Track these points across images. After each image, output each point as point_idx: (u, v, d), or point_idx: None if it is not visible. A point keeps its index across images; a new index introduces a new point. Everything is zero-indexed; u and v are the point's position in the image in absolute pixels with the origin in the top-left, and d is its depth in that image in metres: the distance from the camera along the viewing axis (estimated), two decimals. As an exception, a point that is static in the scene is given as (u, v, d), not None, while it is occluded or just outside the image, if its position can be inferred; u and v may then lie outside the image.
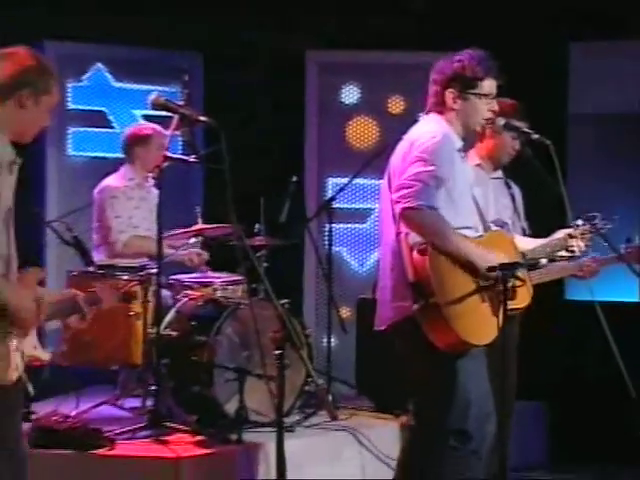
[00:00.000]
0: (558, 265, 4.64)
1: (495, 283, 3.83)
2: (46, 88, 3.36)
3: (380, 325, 4.02)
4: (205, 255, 5.75)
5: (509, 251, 4.04)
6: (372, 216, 6.95)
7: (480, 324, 3.88)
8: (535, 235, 4.63)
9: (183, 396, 5.04)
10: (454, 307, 3.80)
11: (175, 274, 5.57)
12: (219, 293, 5.37)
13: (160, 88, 6.01)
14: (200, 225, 5.57)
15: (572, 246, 4.23)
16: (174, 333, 5.07)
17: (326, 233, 6.11)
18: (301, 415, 5.28)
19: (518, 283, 3.84)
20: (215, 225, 5.42)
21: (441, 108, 4.01)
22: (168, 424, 4.81)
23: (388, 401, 5.57)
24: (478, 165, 4.74)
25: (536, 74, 6.43)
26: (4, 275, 3.20)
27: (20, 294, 3.22)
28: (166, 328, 5.07)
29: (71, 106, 6.70)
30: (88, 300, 3.42)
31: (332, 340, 6.05)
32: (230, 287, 5.45)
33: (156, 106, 4.80)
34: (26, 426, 4.54)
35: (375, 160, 5.43)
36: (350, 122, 7.09)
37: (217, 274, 5.64)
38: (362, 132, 7.09)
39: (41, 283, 3.34)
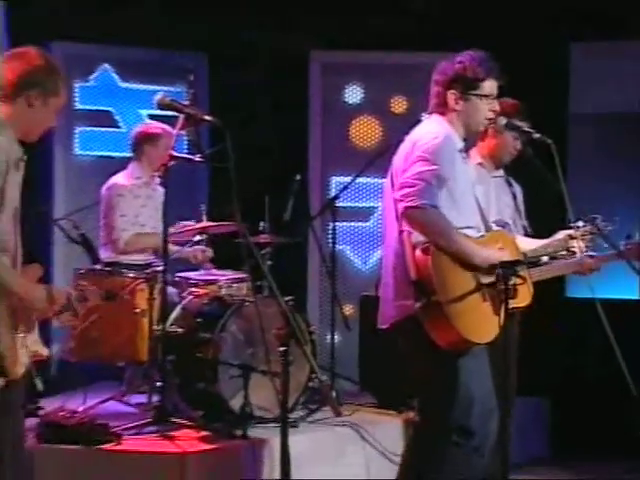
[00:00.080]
0: (558, 263, 4.64)
1: (497, 281, 3.83)
2: (55, 89, 3.37)
3: (383, 323, 4.02)
4: (209, 252, 5.75)
5: (511, 251, 4.04)
6: (375, 214, 6.96)
7: (481, 322, 3.88)
8: (536, 233, 4.63)
9: (188, 392, 5.04)
10: (455, 305, 3.80)
11: (180, 271, 5.58)
12: (224, 291, 5.37)
13: (166, 88, 6.02)
14: (205, 223, 5.57)
15: (573, 247, 4.23)
16: (180, 330, 5.07)
17: (330, 231, 6.10)
18: (305, 411, 5.28)
19: (519, 281, 3.83)
20: (219, 223, 5.42)
21: (443, 109, 4.01)
22: (174, 420, 4.81)
23: (391, 397, 5.57)
24: (480, 164, 4.73)
25: (536, 74, 6.41)
26: None
27: (30, 285, 3.24)
28: (172, 325, 5.06)
29: (78, 106, 6.71)
30: (78, 298, 3.44)
31: (336, 337, 6.05)
32: (235, 285, 5.45)
33: (162, 106, 4.80)
34: (34, 421, 4.56)
35: (378, 159, 5.43)
36: (353, 122, 7.09)
37: (222, 272, 5.64)
38: (365, 131, 7.10)
39: (39, 280, 3.36)
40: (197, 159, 4.99)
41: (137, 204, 5.71)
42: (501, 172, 4.91)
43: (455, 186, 3.89)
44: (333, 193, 6.57)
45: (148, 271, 5.19)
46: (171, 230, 5.22)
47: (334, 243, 5.98)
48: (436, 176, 3.81)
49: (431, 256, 3.79)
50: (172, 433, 4.71)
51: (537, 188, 4.57)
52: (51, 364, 5.40)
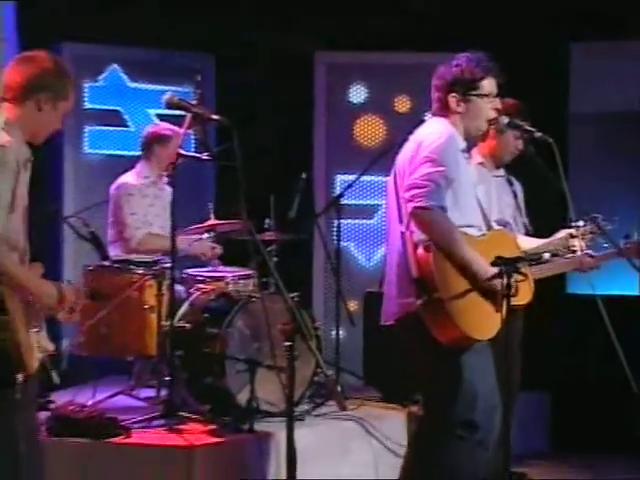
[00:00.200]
0: (559, 261, 4.63)
1: (497, 280, 3.82)
2: (64, 93, 3.37)
3: (386, 320, 4.02)
4: (218, 249, 5.75)
5: (512, 250, 4.03)
6: (379, 212, 6.96)
7: (483, 319, 3.87)
8: (537, 232, 4.62)
9: (196, 386, 5.04)
10: (457, 303, 3.79)
11: (188, 268, 5.58)
12: (231, 287, 5.37)
13: (174, 88, 6.02)
14: (212, 221, 5.57)
15: (574, 245, 4.22)
16: (187, 325, 5.07)
17: (334, 228, 6.10)
18: (311, 405, 5.28)
19: (520, 278, 3.82)
20: (227, 221, 5.42)
21: (445, 112, 4.02)
22: (182, 414, 4.82)
23: (395, 392, 5.57)
24: (480, 164, 4.73)
25: (537, 74, 6.40)
26: None
27: (40, 281, 3.25)
28: (180, 321, 5.07)
29: (87, 105, 6.71)
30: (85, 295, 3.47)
31: (340, 332, 6.05)
32: (241, 281, 5.45)
33: (170, 105, 4.80)
34: (44, 415, 4.56)
35: (382, 158, 5.42)
36: (357, 121, 7.08)
37: (229, 268, 5.64)
38: (369, 130, 7.09)
39: (42, 278, 3.37)
40: (204, 158, 4.99)
41: (145, 203, 5.71)
42: (502, 171, 4.90)
43: (459, 186, 3.89)
44: (338, 191, 6.56)
45: (156, 268, 5.19)
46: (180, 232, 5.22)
47: (339, 240, 5.98)
48: (444, 177, 3.81)
49: (432, 254, 3.79)
50: (180, 427, 4.71)
51: (539, 187, 4.57)
52: (61, 359, 5.40)
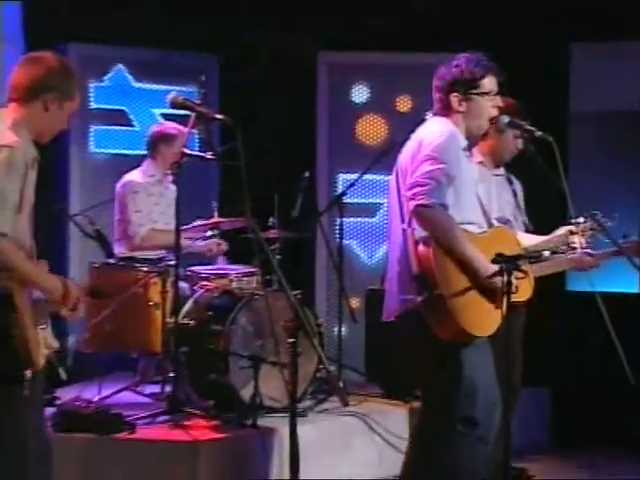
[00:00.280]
0: (558, 258, 4.62)
1: (497, 277, 3.82)
2: (70, 93, 3.38)
3: (387, 317, 4.02)
4: (224, 245, 5.75)
5: (512, 247, 4.03)
6: (381, 210, 6.96)
7: (483, 316, 3.87)
8: (537, 230, 4.61)
9: (200, 383, 5.05)
10: (458, 299, 3.79)
11: (192, 266, 5.58)
12: (234, 284, 5.38)
13: (178, 88, 6.02)
14: (216, 219, 5.58)
15: (574, 242, 4.22)
16: (191, 323, 5.08)
17: (337, 227, 6.10)
18: (313, 401, 5.28)
19: (520, 276, 3.82)
20: (231, 219, 5.43)
21: (447, 112, 4.02)
22: (186, 409, 4.83)
23: (396, 387, 5.58)
24: (480, 162, 4.72)
25: (537, 74, 6.39)
26: None
27: (47, 275, 3.26)
28: (184, 318, 5.07)
29: (93, 105, 6.72)
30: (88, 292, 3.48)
31: (342, 329, 6.05)
32: (245, 278, 5.46)
33: (175, 105, 4.81)
34: (51, 411, 4.57)
35: (384, 157, 5.42)
36: (360, 120, 7.08)
37: (233, 266, 5.65)
38: (371, 130, 7.09)
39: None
40: (209, 157, 4.99)
41: (150, 201, 5.71)
42: (502, 170, 4.90)
43: (460, 184, 3.89)
44: (340, 190, 6.56)
45: (161, 265, 5.20)
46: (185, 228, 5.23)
47: (341, 238, 5.99)
48: (445, 174, 3.81)
49: (433, 251, 3.79)
50: (184, 422, 4.72)
51: (539, 185, 4.56)
52: (67, 355, 5.41)
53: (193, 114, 4.79)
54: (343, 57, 7.05)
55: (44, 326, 3.29)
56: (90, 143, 6.75)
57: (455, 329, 3.79)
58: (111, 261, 5.18)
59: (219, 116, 4.58)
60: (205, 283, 5.40)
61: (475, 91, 3.98)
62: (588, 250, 4.34)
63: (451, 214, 3.82)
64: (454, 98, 3.99)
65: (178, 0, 6.68)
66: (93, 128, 6.75)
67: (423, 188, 3.77)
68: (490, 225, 4.12)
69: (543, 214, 4.74)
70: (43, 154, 3.38)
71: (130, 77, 6.84)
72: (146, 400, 5.19)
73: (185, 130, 5.08)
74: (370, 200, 7.04)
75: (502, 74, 4.04)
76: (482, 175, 4.49)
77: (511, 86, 4.11)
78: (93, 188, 6.59)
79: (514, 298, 3.81)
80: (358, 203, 6.94)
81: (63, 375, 3.42)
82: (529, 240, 4.34)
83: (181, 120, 5.44)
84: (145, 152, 5.87)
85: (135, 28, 6.46)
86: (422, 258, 3.82)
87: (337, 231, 6.06)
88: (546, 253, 4.35)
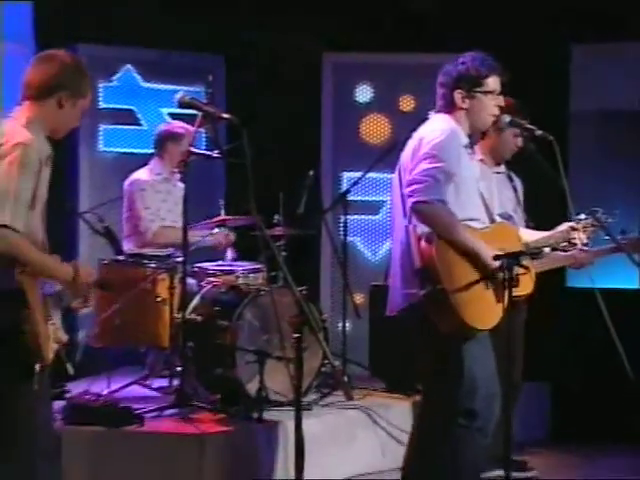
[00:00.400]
0: (555, 255, 4.62)
1: (500, 271, 3.82)
2: (83, 91, 3.39)
3: (391, 311, 4.02)
4: (232, 236, 5.75)
5: (513, 242, 4.03)
6: (384, 208, 6.96)
7: (485, 309, 3.87)
8: (538, 227, 4.61)
9: (207, 377, 5.06)
10: (461, 294, 3.79)
11: (200, 262, 5.59)
12: (241, 280, 5.38)
13: (185, 88, 6.02)
14: (223, 216, 5.58)
15: (574, 238, 4.22)
16: (199, 318, 5.08)
17: (341, 224, 6.10)
18: (318, 395, 5.29)
19: (522, 271, 3.83)
20: (237, 216, 5.44)
21: (450, 108, 4.02)
22: (193, 403, 4.83)
23: (400, 382, 5.58)
24: (481, 160, 4.72)
25: (537, 74, 6.37)
26: None
27: (59, 263, 3.27)
28: (191, 313, 5.08)
29: (102, 105, 6.72)
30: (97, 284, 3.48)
31: (347, 324, 6.07)
32: (251, 275, 5.47)
33: (182, 104, 4.82)
34: (61, 404, 4.58)
35: (387, 155, 5.43)
36: (364, 120, 7.09)
37: (239, 262, 5.65)
38: (375, 129, 7.09)
39: None
40: (215, 155, 5.00)
41: (158, 199, 5.73)
42: (502, 168, 4.90)
43: (461, 180, 3.90)
44: (344, 188, 6.56)
45: (169, 262, 5.21)
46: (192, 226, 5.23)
47: (345, 235, 6.00)
48: (443, 172, 3.81)
49: (435, 246, 3.79)
50: (191, 415, 4.73)
51: (539, 184, 4.56)
52: (77, 350, 5.42)
53: (200, 113, 4.80)
54: (347, 58, 7.06)
55: (54, 321, 3.30)
56: (99, 142, 6.76)
57: (457, 322, 3.79)
58: (120, 258, 5.19)
59: (226, 115, 4.59)
60: (212, 279, 5.40)
61: (479, 89, 3.99)
62: (582, 247, 4.34)
63: (455, 211, 3.82)
64: (458, 95, 3.99)
65: (178, 0, 6.68)
66: (102, 127, 6.76)
67: (420, 185, 3.78)
68: (492, 221, 4.12)
69: (543, 212, 4.73)
70: (53, 153, 3.38)
71: (138, 77, 6.85)
72: (154, 394, 5.21)
73: (192, 129, 5.09)
74: (374, 198, 7.05)
75: (506, 74, 4.05)
76: (483, 173, 4.49)
77: (511, 86, 4.10)
78: (102, 186, 6.60)
79: (516, 292, 3.82)
80: (362, 201, 6.94)
81: (70, 370, 3.42)
82: (530, 235, 4.33)
83: (188, 119, 5.45)
84: (153, 151, 5.88)
85: (136, 28, 6.46)
86: (424, 253, 3.82)
87: (341, 228, 6.06)
88: (546, 250, 4.35)
